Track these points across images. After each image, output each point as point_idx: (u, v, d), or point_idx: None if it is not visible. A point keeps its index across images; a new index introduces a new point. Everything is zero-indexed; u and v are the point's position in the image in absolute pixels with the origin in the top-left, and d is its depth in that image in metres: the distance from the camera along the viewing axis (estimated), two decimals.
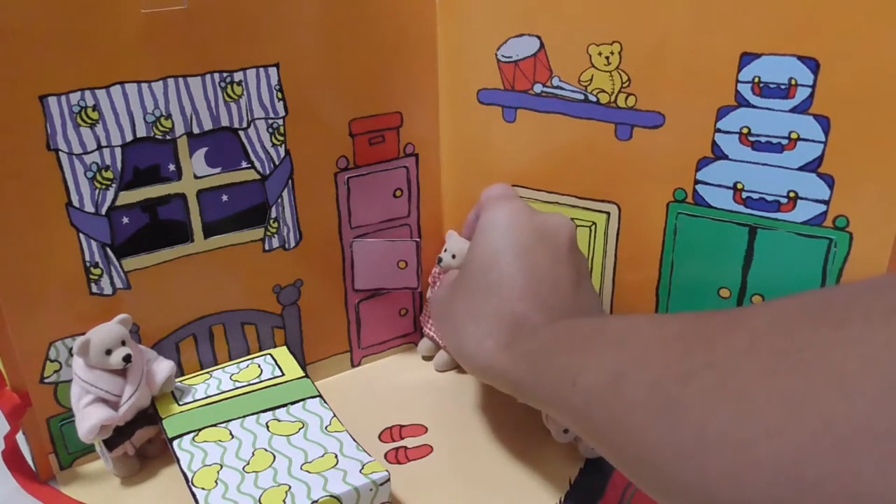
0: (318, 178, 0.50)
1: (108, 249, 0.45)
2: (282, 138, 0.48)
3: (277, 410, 0.46)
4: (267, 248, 0.50)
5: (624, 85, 0.46)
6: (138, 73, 0.43)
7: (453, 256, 0.52)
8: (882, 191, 0.41)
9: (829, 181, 0.43)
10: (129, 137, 0.43)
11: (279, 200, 0.49)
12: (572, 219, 0.51)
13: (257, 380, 0.49)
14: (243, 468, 0.41)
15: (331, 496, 0.39)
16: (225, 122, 0.46)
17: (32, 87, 0.40)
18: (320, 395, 0.47)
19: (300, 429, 0.44)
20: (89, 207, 0.43)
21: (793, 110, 0.42)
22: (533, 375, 0.36)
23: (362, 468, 0.41)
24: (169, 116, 0.44)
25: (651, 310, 0.50)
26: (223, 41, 0.44)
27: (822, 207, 0.43)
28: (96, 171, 0.43)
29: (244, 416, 0.45)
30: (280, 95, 0.47)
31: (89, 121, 0.42)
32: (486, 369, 0.40)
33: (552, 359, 0.35)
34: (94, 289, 0.45)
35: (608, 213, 0.50)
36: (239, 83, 0.46)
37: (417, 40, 0.51)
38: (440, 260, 0.53)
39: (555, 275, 0.41)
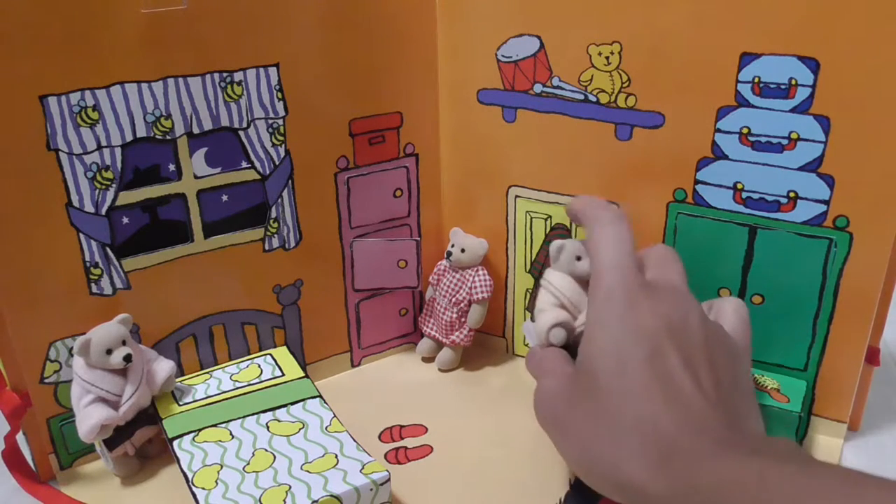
0: (318, 178, 0.50)
1: (108, 249, 0.45)
2: (282, 138, 0.48)
3: (277, 410, 0.46)
4: (267, 248, 0.50)
5: (624, 85, 0.46)
6: (138, 73, 0.43)
7: (462, 251, 0.53)
8: (882, 191, 0.41)
9: (829, 181, 0.43)
10: (129, 137, 0.43)
11: (279, 200, 0.49)
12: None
13: (257, 380, 0.49)
14: (243, 468, 0.41)
15: (331, 496, 0.39)
16: (225, 122, 0.46)
17: (32, 87, 0.40)
18: (320, 396, 0.47)
19: (300, 429, 0.44)
20: (89, 207, 0.43)
21: (793, 110, 0.42)
22: None
23: (362, 468, 0.41)
24: (169, 116, 0.44)
25: None
26: (223, 41, 0.44)
27: (822, 207, 0.43)
28: (96, 171, 0.43)
29: (244, 417, 0.45)
30: (280, 95, 0.47)
31: (89, 121, 0.42)
32: (633, 492, 0.34)
33: (719, 498, 0.30)
34: (94, 289, 0.45)
35: None
36: (239, 83, 0.46)
37: (417, 40, 0.51)
38: (449, 254, 0.54)
39: (695, 379, 0.35)
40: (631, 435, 0.34)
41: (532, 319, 0.47)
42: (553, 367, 0.41)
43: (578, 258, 0.45)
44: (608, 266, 0.39)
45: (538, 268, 0.55)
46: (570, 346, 0.47)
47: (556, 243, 0.46)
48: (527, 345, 0.58)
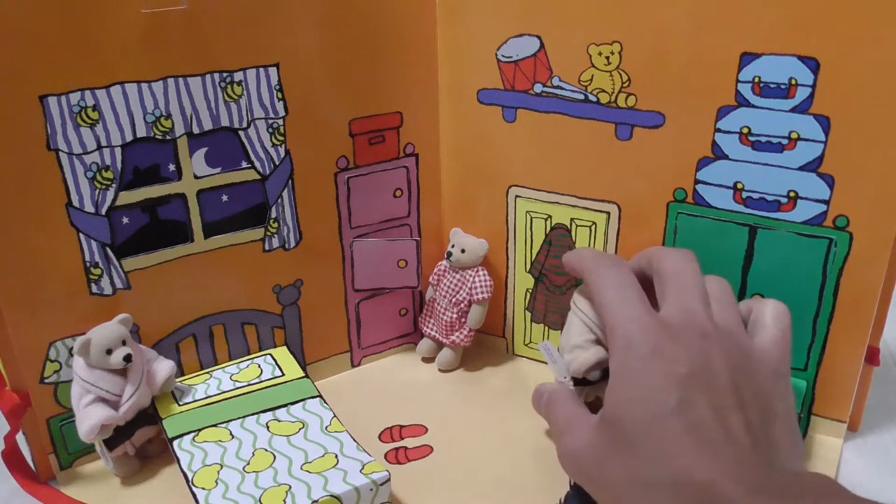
0: (318, 178, 0.50)
1: (108, 249, 0.45)
2: (282, 138, 0.48)
3: (277, 410, 0.46)
4: (267, 248, 0.50)
5: (624, 85, 0.46)
6: (138, 73, 0.43)
7: (462, 251, 0.53)
8: (882, 191, 0.41)
9: (829, 181, 0.43)
10: (129, 137, 0.43)
11: (279, 200, 0.49)
12: (573, 219, 0.51)
13: (257, 380, 0.49)
14: (243, 468, 0.41)
15: (331, 496, 0.39)
16: (225, 122, 0.46)
17: (32, 87, 0.40)
18: (320, 396, 0.47)
19: (300, 429, 0.44)
20: (89, 207, 0.43)
21: (793, 110, 0.42)
22: None
23: (362, 468, 0.41)
24: (169, 116, 0.44)
25: None
26: (223, 41, 0.44)
27: (822, 207, 0.43)
28: (96, 171, 0.43)
29: (244, 417, 0.45)
30: (280, 95, 0.47)
31: (89, 121, 0.42)
32: None
33: None
34: (95, 289, 0.45)
35: (608, 213, 0.50)
36: (239, 83, 0.46)
37: (417, 40, 0.51)
38: (449, 255, 0.54)
39: (725, 426, 0.34)
40: (667, 490, 0.33)
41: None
42: (571, 421, 0.40)
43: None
44: (619, 314, 0.38)
45: (538, 268, 0.55)
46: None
47: (577, 295, 0.45)
48: (527, 345, 0.58)
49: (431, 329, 0.57)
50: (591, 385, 0.47)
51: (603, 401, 0.48)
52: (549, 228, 0.53)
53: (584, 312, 0.45)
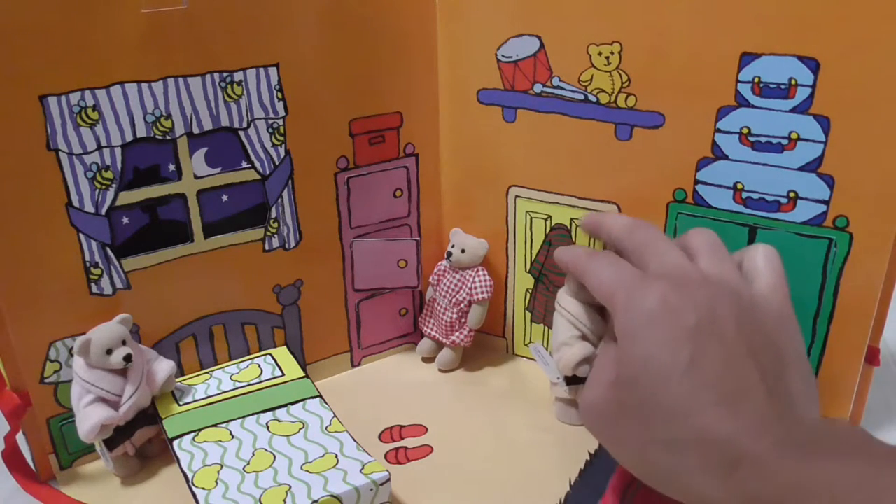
0: (318, 178, 0.50)
1: (108, 249, 0.45)
2: (282, 138, 0.48)
3: (277, 411, 0.46)
4: (267, 248, 0.50)
5: (624, 85, 0.46)
6: (138, 73, 0.43)
7: (462, 251, 0.53)
8: (882, 191, 0.41)
9: (829, 181, 0.43)
10: (129, 137, 0.43)
11: (279, 200, 0.49)
12: (573, 219, 0.51)
13: (257, 380, 0.49)
14: (243, 468, 0.41)
15: (331, 496, 0.39)
16: (225, 122, 0.46)
17: (32, 87, 0.40)
18: (320, 396, 0.47)
19: (300, 429, 0.44)
20: (89, 207, 0.43)
21: (793, 110, 0.42)
22: None
23: (362, 468, 0.41)
24: (169, 116, 0.44)
25: None
26: (223, 41, 0.44)
27: (822, 207, 0.43)
28: (96, 171, 0.43)
29: (244, 417, 0.45)
30: (280, 95, 0.47)
31: (89, 121, 0.42)
32: (697, 502, 0.33)
33: None
34: (94, 289, 0.45)
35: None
36: (239, 83, 0.46)
37: (417, 40, 0.51)
38: (449, 255, 0.54)
39: (740, 377, 0.33)
40: (690, 449, 0.32)
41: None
42: (595, 375, 0.39)
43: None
44: (616, 283, 0.37)
45: (538, 268, 0.55)
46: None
47: (574, 282, 0.45)
48: (527, 344, 0.58)
49: (431, 329, 0.57)
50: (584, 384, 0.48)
51: None
52: (549, 228, 0.53)
53: (567, 311, 0.45)
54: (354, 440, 0.43)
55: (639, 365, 0.35)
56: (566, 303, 0.46)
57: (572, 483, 0.45)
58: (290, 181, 0.49)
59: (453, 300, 0.55)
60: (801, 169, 0.43)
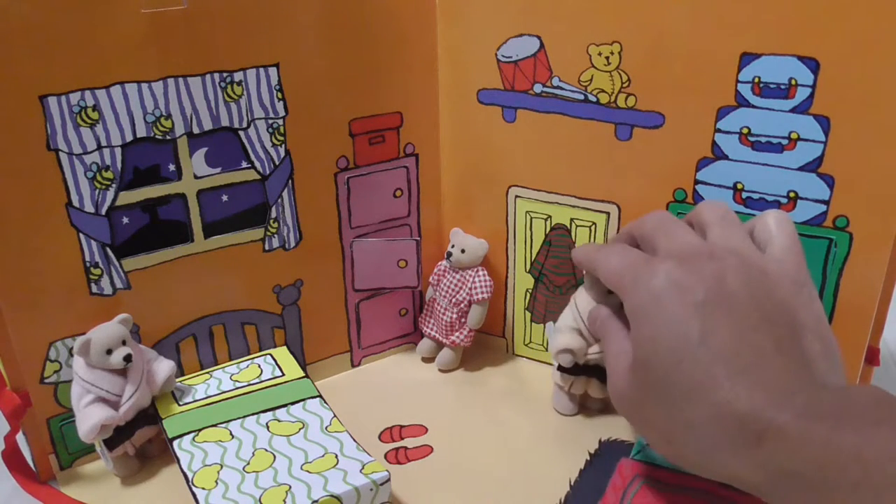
0: (318, 178, 0.50)
1: (108, 249, 0.45)
2: (282, 138, 0.48)
3: (277, 410, 0.46)
4: (267, 248, 0.50)
5: (624, 85, 0.46)
6: (138, 73, 0.43)
7: (462, 251, 0.53)
8: (882, 191, 0.41)
9: (829, 181, 0.43)
10: (129, 137, 0.43)
11: (279, 200, 0.49)
12: (573, 219, 0.51)
13: (257, 380, 0.49)
14: (243, 468, 0.41)
15: (331, 496, 0.39)
16: (225, 122, 0.46)
17: (32, 87, 0.40)
18: (320, 396, 0.47)
19: (300, 429, 0.44)
20: (89, 207, 0.43)
21: (793, 110, 0.42)
22: (798, 494, 0.30)
23: (362, 468, 0.41)
24: (169, 116, 0.44)
25: None
26: (223, 41, 0.44)
27: (822, 207, 0.43)
28: (96, 171, 0.43)
29: (244, 417, 0.45)
30: (280, 95, 0.47)
31: (89, 121, 0.42)
32: (728, 479, 0.33)
33: (822, 487, 0.28)
34: (94, 289, 0.45)
35: (608, 213, 0.50)
36: (239, 83, 0.46)
37: (417, 40, 0.51)
38: (449, 255, 0.54)
39: (754, 348, 0.32)
40: (711, 427, 0.32)
41: (554, 322, 0.49)
42: (616, 359, 0.38)
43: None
44: (623, 267, 0.37)
45: (538, 268, 0.55)
46: (576, 367, 0.48)
47: (589, 276, 0.46)
48: (527, 345, 0.58)
49: (431, 329, 0.57)
50: (577, 377, 0.49)
51: (592, 401, 0.49)
52: (548, 228, 0.53)
53: (577, 306, 0.47)
54: (354, 440, 0.43)
55: (649, 345, 0.34)
56: (579, 295, 0.47)
57: (572, 483, 0.45)
58: (290, 181, 0.49)
59: (453, 300, 0.55)
60: (801, 169, 0.43)
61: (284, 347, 0.53)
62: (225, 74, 0.45)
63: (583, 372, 0.49)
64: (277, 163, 0.48)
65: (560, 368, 0.49)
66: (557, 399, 0.52)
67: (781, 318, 0.34)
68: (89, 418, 0.43)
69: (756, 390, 0.31)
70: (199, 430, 0.44)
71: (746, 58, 0.42)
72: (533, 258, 0.54)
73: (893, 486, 0.26)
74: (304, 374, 0.49)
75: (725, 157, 0.45)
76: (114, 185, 0.44)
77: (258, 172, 0.48)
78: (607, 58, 0.46)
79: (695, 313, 0.33)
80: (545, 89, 0.49)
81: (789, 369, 0.32)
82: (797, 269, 0.36)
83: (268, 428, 0.44)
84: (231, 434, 0.44)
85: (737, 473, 0.32)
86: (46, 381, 0.45)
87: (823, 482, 0.28)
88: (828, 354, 0.34)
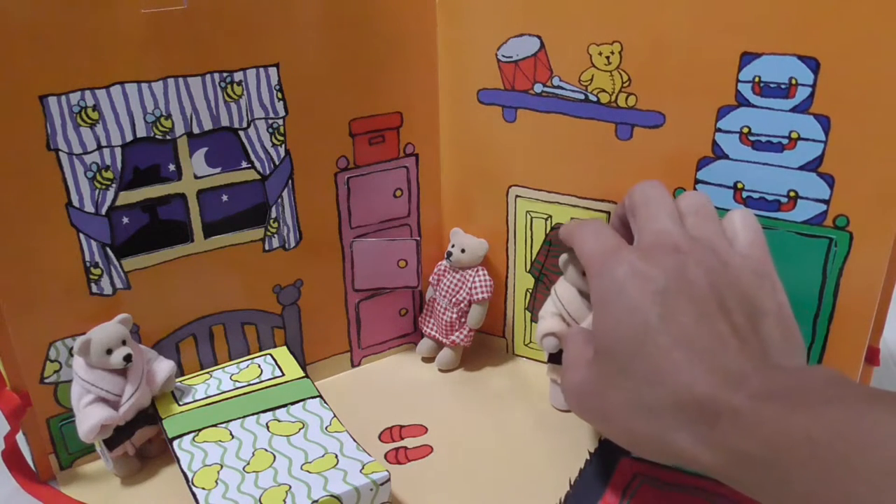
0: (318, 178, 0.50)
1: (108, 249, 0.45)
2: (282, 138, 0.48)
3: (277, 411, 0.46)
4: (267, 248, 0.50)
5: (624, 85, 0.46)
6: (138, 73, 0.43)
7: (462, 251, 0.54)
8: (882, 191, 0.41)
9: (830, 181, 0.43)
10: (129, 137, 0.43)
11: (279, 200, 0.49)
12: (573, 219, 0.51)
13: (257, 380, 0.49)
14: (243, 468, 0.41)
15: (331, 496, 0.39)
16: (225, 122, 0.46)
17: (32, 87, 0.40)
18: (320, 396, 0.47)
19: (300, 429, 0.44)
20: (89, 207, 0.43)
21: (793, 110, 0.42)
22: (751, 474, 0.30)
23: (362, 468, 0.41)
24: (169, 116, 0.44)
25: None
26: (223, 41, 0.44)
27: (823, 207, 0.43)
28: (96, 171, 0.43)
29: (244, 417, 0.45)
30: (280, 95, 0.47)
31: (89, 121, 0.42)
32: (690, 462, 0.33)
33: (774, 466, 0.29)
34: (94, 289, 0.45)
35: (608, 213, 0.50)
36: (239, 83, 0.46)
37: (417, 40, 0.51)
38: (449, 255, 0.54)
39: (712, 333, 0.33)
40: (670, 411, 0.33)
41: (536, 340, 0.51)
42: (574, 359, 0.40)
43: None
44: (594, 251, 0.39)
45: (538, 268, 0.55)
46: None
47: (564, 257, 0.48)
48: (527, 345, 0.58)
49: (431, 329, 0.57)
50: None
51: None
52: (549, 228, 0.53)
53: (558, 297, 0.48)
54: (354, 440, 0.43)
55: (612, 333, 0.36)
56: (559, 286, 0.49)
57: (572, 483, 0.45)
58: (290, 181, 0.49)
59: (453, 300, 0.55)
60: (801, 168, 0.43)
61: (284, 347, 0.53)
62: (225, 74, 0.45)
63: None
64: (277, 163, 0.48)
65: (550, 359, 0.50)
66: (554, 394, 0.52)
67: (740, 306, 0.35)
68: (89, 418, 0.43)
69: (713, 374, 0.32)
70: (199, 430, 0.44)
71: (747, 57, 0.42)
72: (533, 258, 0.54)
73: (840, 464, 0.27)
74: (304, 374, 0.49)
75: (726, 157, 0.45)
76: (114, 185, 0.44)
77: (258, 172, 0.48)
78: (608, 57, 0.46)
79: (654, 300, 0.34)
80: (545, 89, 0.49)
81: (745, 353, 0.33)
82: (760, 261, 0.37)
83: (268, 428, 0.44)
84: (231, 434, 0.44)
85: (696, 457, 0.32)
86: (46, 381, 0.45)
87: (776, 462, 0.29)
88: (788, 339, 0.35)
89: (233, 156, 0.47)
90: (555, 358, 0.50)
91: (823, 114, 0.41)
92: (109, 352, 0.43)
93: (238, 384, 0.48)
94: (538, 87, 0.49)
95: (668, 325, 0.34)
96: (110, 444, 0.44)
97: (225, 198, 0.48)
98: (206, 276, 0.49)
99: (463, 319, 0.55)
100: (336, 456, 0.42)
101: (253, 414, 0.46)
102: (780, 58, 0.41)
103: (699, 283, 0.35)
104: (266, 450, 0.43)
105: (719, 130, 0.44)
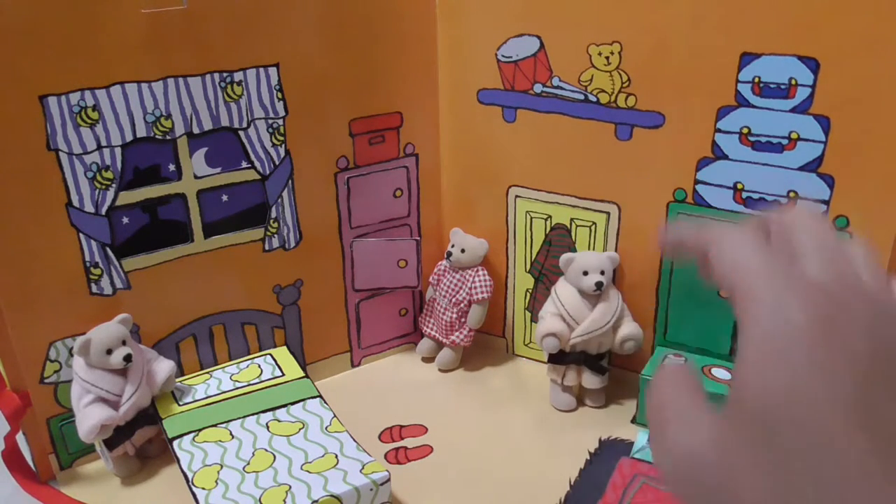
0: (318, 178, 0.50)
1: (108, 249, 0.45)
2: (282, 138, 0.48)
3: (277, 411, 0.46)
4: (267, 248, 0.50)
5: (624, 85, 0.46)
6: (138, 73, 0.43)
7: (462, 251, 0.54)
8: (882, 191, 0.41)
9: (829, 181, 0.43)
10: (129, 137, 0.43)
11: (279, 200, 0.49)
12: (573, 219, 0.51)
13: (257, 380, 0.49)
14: (243, 468, 0.41)
15: (331, 496, 0.39)
16: (225, 122, 0.46)
17: (32, 87, 0.40)
18: (320, 396, 0.47)
19: (300, 429, 0.44)
20: (89, 207, 0.43)
21: (793, 110, 0.42)
22: None
23: (362, 468, 0.41)
24: (169, 116, 0.44)
25: (650, 309, 0.50)
26: (223, 41, 0.44)
27: (822, 207, 0.43)
28: (96, 171, 0.43)
29: (244, 417, 0.45)
30: (280, 95, 0.47)
31: (89, 121, 0.42)
32: None
33: None
34: (94, 289, 0.45)
35: (608, 213, 0.50)
36: (239, 83, 0.46)
37: (417, 40, 0.51)
38: (449, 255, 0.54)
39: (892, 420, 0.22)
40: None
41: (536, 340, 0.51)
42: (687, 410, 0.26)
43: (585, 273, 0.47)
44: (754, 277, 0.20)
45: (538, 268, 0.55)
46: (564, 354, 0.49)
47: (565, 256, 0.48)
48: (527, 345, 0.58)
49: (431, 329, 0.57)
50: (567, 366, 0.50)
51: (589, 397, 0.49)
52: (549, 228, 0.53)
53: (558, 297, 0.49)
54: (354, 440, 0.43)
55: (784, 397, 0.23)
56: (559, 286, 0.50)
57: (572, 483, 0.45)
58: (290, 181, 0.49)
59: (453, 300, 0.55)
60: (801, 169, 0.43)
61: (284, 347, 0.53)
62: (225, 74, 0.45)
63: (571, 360, 0.50)
64: (277, 163, 0.48)
65: (550, 359, 0.50)
66: (554, 395, 0.52)
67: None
68: (89, 418, 0.43)
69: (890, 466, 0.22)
70: (199, 430, 0.44)
71: (746, 58, 0.42)
72: (533, 258, 0.54)
73: None
74: (304, 374, 0.49)
75: (725, 157, 0.45)
76: (114, 185, 0.44)
77: (258, 172, 0.48)
78: (607, 58, 0.46)
79: (862, 379, 0.23)
80: (545, 89, 0.49)
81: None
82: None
83: (268, 428, 0.44)
84: (231, 434, 0.44)
85: None
86: (46, 381, 0.45)
87: None
88: None
89: (233, 156, 0.47)
90: (555, 358, 0.50)
91: (823, 114, 0.41)
92: (109, 352, 0.43)
93: (238, 384, 0.48)
94: (538, 88, 0.49)
95: (871, 417, 0.22)
96: (110, 444, 0.44)
97: (225, 198, 0.48)
98: (206, 276, 0.49)
99: (463, 319, 0.55)
100: (336, 456, 0.42)
101: (253, 414, 0.46)
102: (779, 58, 0.41)
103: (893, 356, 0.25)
104: (266, 450, 0.43)
105: (719, 131, 0.44)
